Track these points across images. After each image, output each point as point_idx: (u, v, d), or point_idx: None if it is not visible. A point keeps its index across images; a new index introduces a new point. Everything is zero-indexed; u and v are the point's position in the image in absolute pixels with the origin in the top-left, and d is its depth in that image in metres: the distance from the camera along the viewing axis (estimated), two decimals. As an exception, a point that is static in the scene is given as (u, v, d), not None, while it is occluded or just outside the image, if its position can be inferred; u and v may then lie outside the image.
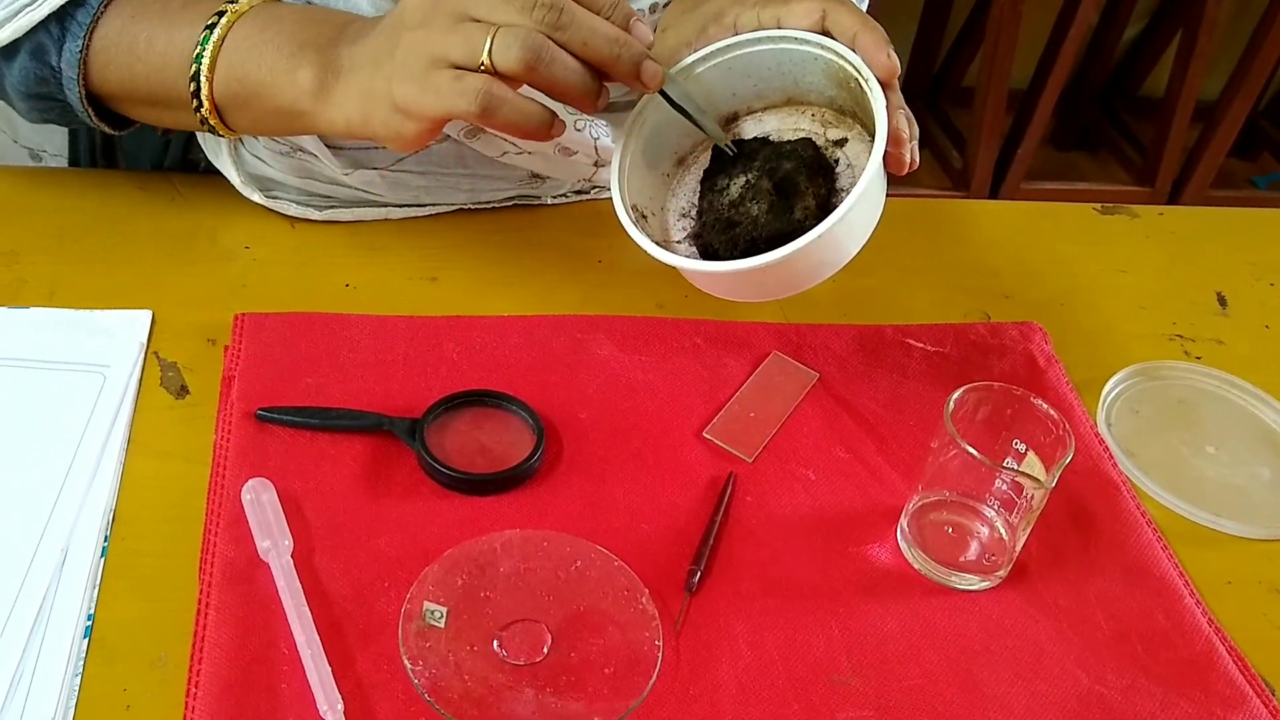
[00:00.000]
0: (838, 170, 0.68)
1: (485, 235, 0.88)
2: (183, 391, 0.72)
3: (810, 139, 0.69)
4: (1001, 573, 0.67)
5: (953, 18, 2.61)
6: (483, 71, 0.60)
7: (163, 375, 0.73)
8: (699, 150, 0.73)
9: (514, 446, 0.70)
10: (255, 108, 0.70)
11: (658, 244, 0.66)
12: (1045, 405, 0.66)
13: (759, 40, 0.68)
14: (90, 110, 0.75)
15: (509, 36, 0.59)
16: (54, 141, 1.10)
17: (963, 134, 2.60)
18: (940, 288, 0.90)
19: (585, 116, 0.84)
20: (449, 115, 0.61)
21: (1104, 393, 0.81)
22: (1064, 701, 0.62)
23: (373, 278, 0.82)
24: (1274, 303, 0.94)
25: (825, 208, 0.64)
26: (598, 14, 0.61)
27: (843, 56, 0.65)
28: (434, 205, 0.89)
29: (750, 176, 0.66)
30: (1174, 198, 2.63)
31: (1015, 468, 0.67)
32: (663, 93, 0.65)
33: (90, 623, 0.59)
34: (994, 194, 2.56)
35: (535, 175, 0.89)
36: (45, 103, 0.75)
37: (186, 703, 0.55)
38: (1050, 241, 0.98)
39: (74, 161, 1.03)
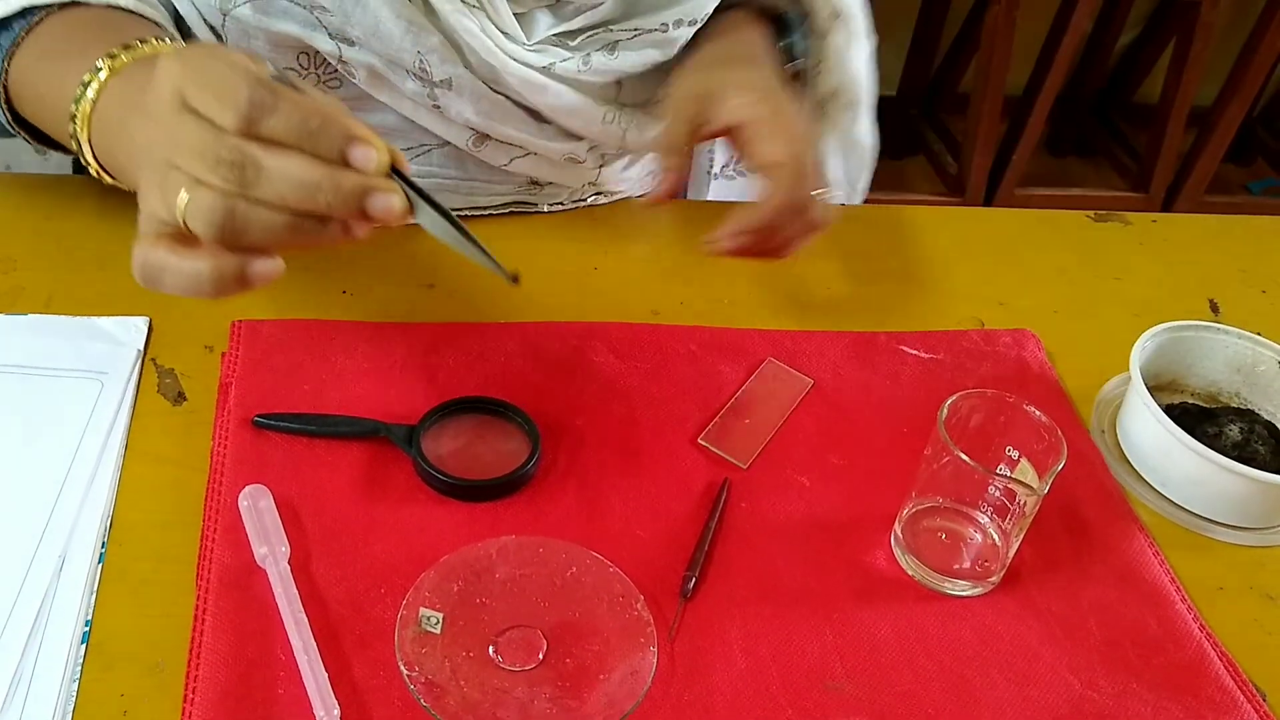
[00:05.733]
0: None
1: (482, 242, 0.88)
2: (180, 398, 0.72)
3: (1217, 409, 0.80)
4: (994, 579, 0.68)
5: (948, 24, 2.62)
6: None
7: (160, 381, 0.73)
8: None
9: (510, 453, 0.70)
10: (132, 184, 0.61)
11: None
12: (1038, 412, 0.67)
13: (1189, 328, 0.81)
14: (24, 133, 0.71)
15: (197, 203, 0.50)
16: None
17: (958, 140, 2.61)
18: (934, 294, 0.90)
19: (611, 108, 0.84)
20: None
21: (1097, 399, 0.82)
22: (1056, 707, 0.62)
23: (370, 284, 0.83)
24: (1265, 310, 0.95)
25: None
26: (300, 148, 0.50)
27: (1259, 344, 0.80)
28: (430, 212, 0.89)
29: (1242, 425, 0.78)
30: (1168, 203, 2.64)
31: (1008, 474, 0.67)
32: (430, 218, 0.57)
33: (88, 628, 0.59)
34: (989, 200, 2.57)
35: (534, 182, 0.89)
36: None
37: (184, 709, 0.56)
38: (1044, 249, 0.98)
39: (76, 168, 1.03)
